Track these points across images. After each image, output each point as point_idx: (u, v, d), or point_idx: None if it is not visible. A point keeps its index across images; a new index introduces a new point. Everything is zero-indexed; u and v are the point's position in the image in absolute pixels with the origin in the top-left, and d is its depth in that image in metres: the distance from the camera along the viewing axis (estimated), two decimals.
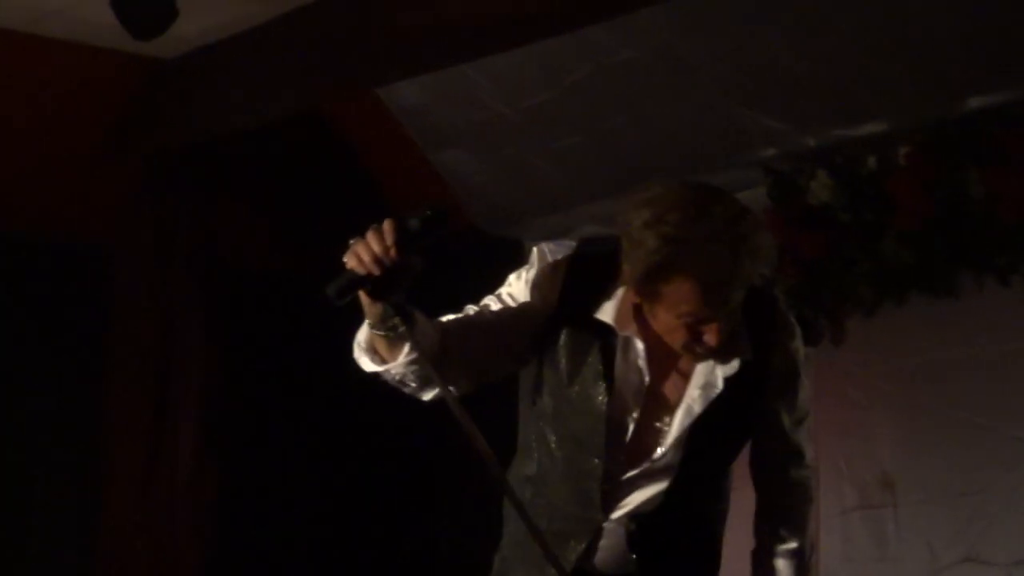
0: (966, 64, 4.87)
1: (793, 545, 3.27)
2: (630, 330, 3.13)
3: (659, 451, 3.15)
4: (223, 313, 6.59)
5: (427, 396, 3.13)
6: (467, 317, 3.17)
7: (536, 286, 3.20)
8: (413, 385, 3.09)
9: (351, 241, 2.91)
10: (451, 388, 3.02)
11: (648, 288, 2.99)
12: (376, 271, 2.87)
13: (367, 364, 3.11)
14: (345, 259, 2.91)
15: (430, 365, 2.96)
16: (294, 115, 6.38)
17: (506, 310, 3.19)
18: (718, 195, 3.05)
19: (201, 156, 6.49)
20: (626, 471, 3.18)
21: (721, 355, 3.10)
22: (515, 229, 6.20)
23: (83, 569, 6.66)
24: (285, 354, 7.59)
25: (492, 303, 3.21)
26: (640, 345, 3.14)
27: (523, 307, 3.19)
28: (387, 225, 2.90)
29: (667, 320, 3.03)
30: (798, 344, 3.21)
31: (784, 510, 3.30)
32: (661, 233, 2.92)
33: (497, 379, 3.23)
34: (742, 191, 5.59)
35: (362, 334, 3.10)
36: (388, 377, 3.10)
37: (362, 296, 2.93)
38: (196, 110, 6.31)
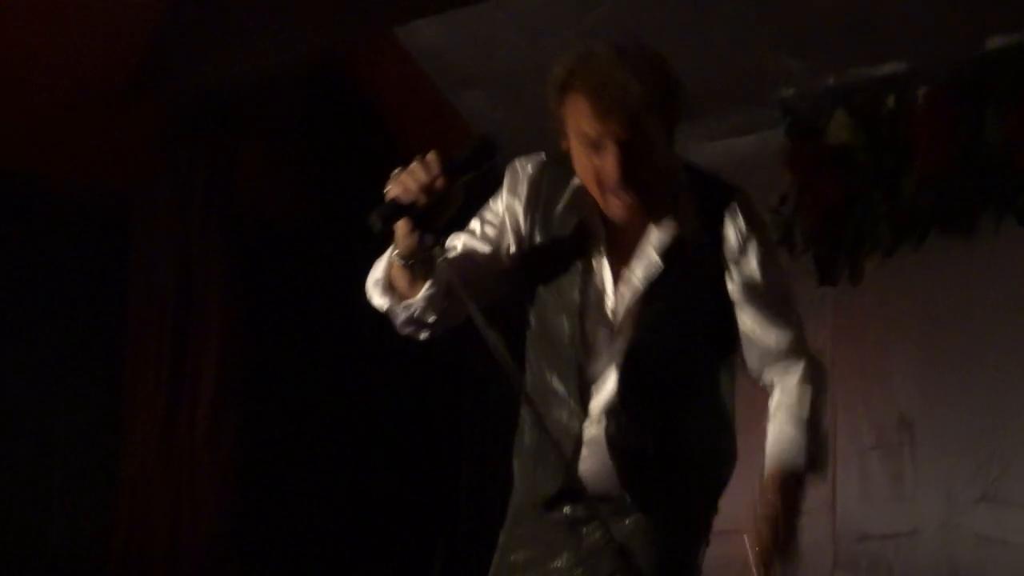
0: (987, 3, 4.85)
1: (789, 416, 3.16)
2: (588, 213, 3.15)
3: (611, 331, 3.15)
4: (242, 260, 6.59)
5: (432, 332, 3.21)
6: (459, 249, 3.21)
7: (509, 196, 3.23)
8: (431, 319, 3.14)
9: (395, 171, 2.96)
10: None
11: (559, 119, 3.06)
12: (422, 199, 2.92)
13: (382, 300, 3.18)
14: (388, 188, 2.96)
15: (460, 291, 3.01)
16: (315, 58, 6.37)
17: (489, 232, 3.23)
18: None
19: (221, 103, 6.49)
20: (593, 361, 3.17)
21: (657, 224, 3.10)
22: None
23: (103, 520, 6.70)
24: (304, 302, 7.62)
25: (476, 227, 3.25)
26: (600, 229, 3.16)
27: (502, 225, 3.23)
28: (433, 155, 2.95)
29: (578, 155, 3.05)
30: (754, 221, 3.12)
31: (780, 400, 3.19)
32: (563, 63, 3.05)
33: (494, 300, 3.23)
34: (761, 131, 5.63)
35: (380, 271, 3.16)
36: (404, 315, 3.16)
37: (399, 227, 2.98)
38: (216, 55, 6.29)
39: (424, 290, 3.09)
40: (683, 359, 3.15)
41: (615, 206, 3.06)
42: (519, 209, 3.22)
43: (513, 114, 6.11)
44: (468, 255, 3.21)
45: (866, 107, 5.29)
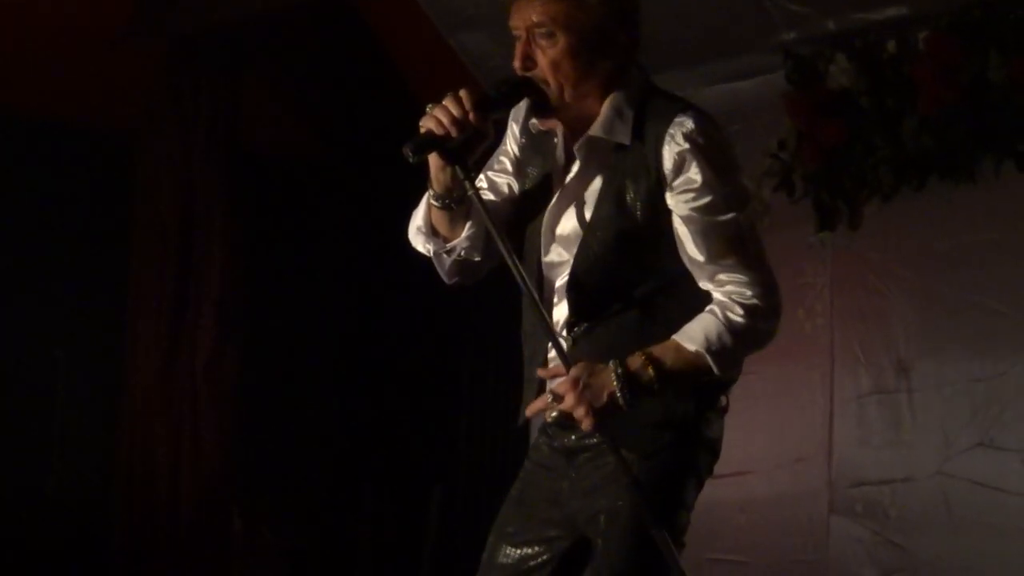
0: None
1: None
2: (551, 125, 3.15)
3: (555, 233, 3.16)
4: (244, 194, 6.60)
5: (478, 273, 3.23)
6: (486, 189, 3.24)
7: (512, 126, 3.27)
8: (476, 258, 3.18)
9: (428, 106, 3.00)
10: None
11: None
12: (454, 132, 2.96)
13: (426, 246, 3.21)
14: (422, 123, 2.99)
15: (505, 239, 3.00)
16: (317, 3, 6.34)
17: (504, 165, 3.28)
18: None
19: (224, 41, 6.47)
20: (554, 276, 3.18)
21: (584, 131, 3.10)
22: None
23: (105, 451, 6.73)
24: (305, 236, 7.63)
25: (494, 164, 3.29)
26: (559, 137, 3.17)
27: (510, 159, 3.28)
28: (465, 91, 3.00)
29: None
30: (696, 141, 3.01)
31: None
32: None
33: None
34: (761, 75, 5.60)
35: (419, 217, 3.21)
36: (450, 259, 3.19)
37: (432, 164, 3.04)
38: None
39: (466, 229, 3.15)
40: (623, 268, 3.09)
41: (530, 104, 3.10)
42: (515, 136, 3.27)
43: (510, 55, 6.06)
44: (491, 187, 3.26)
45: (867, 51, 5.26)
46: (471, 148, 3.02)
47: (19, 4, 6.18)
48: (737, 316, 2.99)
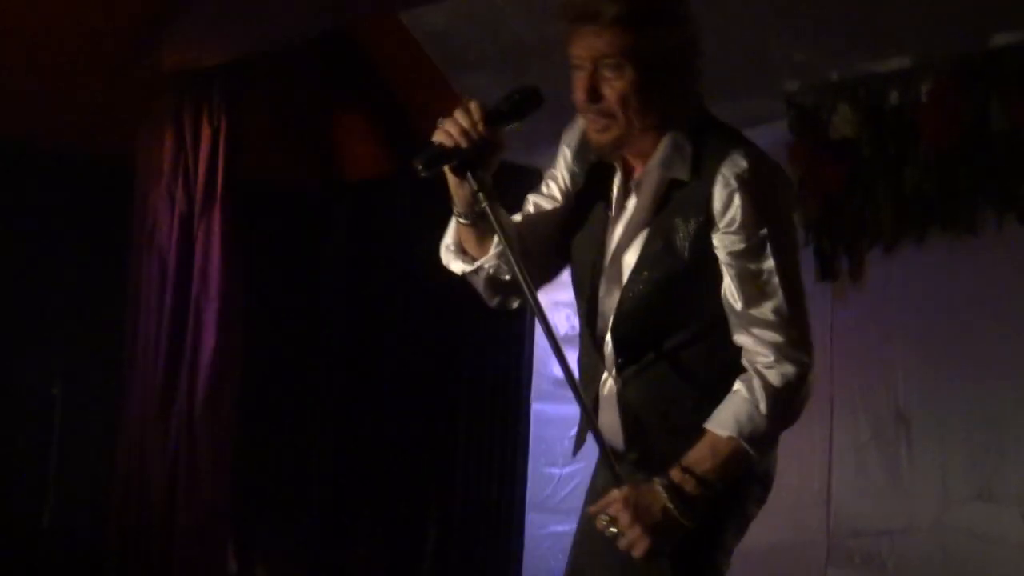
0: (991, 1, 4.83)
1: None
2: (614, 159, 3.13)
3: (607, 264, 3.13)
4: (243, 228, 6.60)
5: (510, 293, 3.21)
6: (531, 214, 3.25)
7: (563, 148, 3.26)
8: (507, 277, 3.15)
9: (439, 120, 2.99)
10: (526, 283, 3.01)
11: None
12: (463, 143, 2.96)
13: (458, 265, 3.20)
14: (433, 137, 2.99)
15: (516, 254, 2.98)
16: (318, 36, 6.36)
17: (551, 188, 3.27)
18: None
19: (225, 70, 6.48)
20: (604, 309, 3.14)
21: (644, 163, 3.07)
22: (535, 157, 6.18)
23: (102, 484, 6.71)
24: (303, 271, 7.63)
25: (543, 185, 3.28)
26: (618, 173, 3.14)
27: (559, 179, 3.27)
28: (474, 103, 3.00)
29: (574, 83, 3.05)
30: (745, 179, 2.96)
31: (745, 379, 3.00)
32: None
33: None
34: (765, 123, 5.61)
35: (450, 235, 3.21)
36: (482, 277, 3.17)
37: (449, 179, 3.03)
38: (221, 27, 6.28)
39: (493, 247, 3.13)
40: (670, 309, 3.06)
41: (590, 133, 3.07)
42: (568, 159, 3.25)
43: None
44: (536, 212, 3.25)
45: (870, 101, 5.28)
46: (483, 159, 2.99)
47: (19, 34, 6.20)
48: (767, 395, 2.93)
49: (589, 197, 3.20)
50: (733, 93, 5.60)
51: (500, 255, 3.11)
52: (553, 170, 3.28)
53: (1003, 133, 4.94)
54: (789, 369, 2.95)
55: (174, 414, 6.40)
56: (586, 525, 3.19)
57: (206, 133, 6.50)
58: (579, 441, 3.26)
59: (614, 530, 2.93)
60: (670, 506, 2.91)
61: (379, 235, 7.65)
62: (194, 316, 6.44)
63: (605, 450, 3.00)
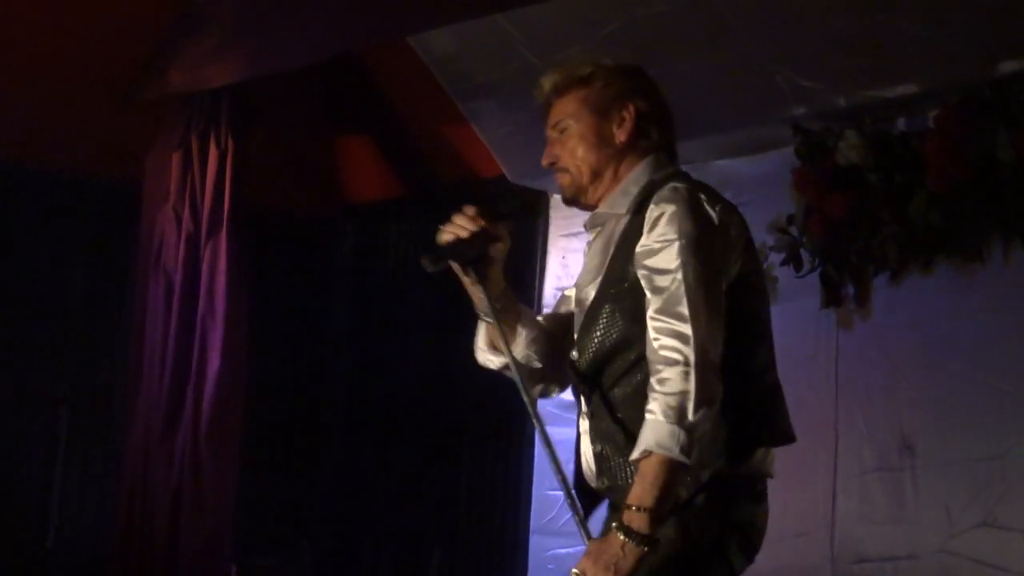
0: (999, 28, 4.83)
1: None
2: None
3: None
4: (249, 253, 6.60)
5: (554, 382, 3.48)
6: (559, 306, 3.53)
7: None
8: (537, 364, 3.39)
9: (440, 226, 3.24)
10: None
11: None
12: (463, 235, 3.21)
13: (489, 360, 3.45)
14: (437, 238, 3.24)
15: (511, 352, 3.27)
16: (327, 61, 6.38)
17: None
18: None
19: (232, 92, 6.50)
20: (579, 343, 3.33)
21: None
22: (543, 181, 6.20)
23: (106, 505, 6.71)
24: (310, 294, 7.63)
25: (568, 291, 3.53)
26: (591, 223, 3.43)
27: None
28: (469, 206, 3.27)
29: None
30: (666, 207, 3.15)
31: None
32: None
33: None
34: (771, 149, 5.62)
35: (480, 337, 3.45)
36: (516, 369, 3.29)
37: (463, 281, 3.29)
38: (229, 49, 6.30)
39: (522, 338, 3.39)
40: (624, 336, 3.20)
41: (561, 192, 3.42)
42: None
43: (521, 125, 6.10)
44: (564, 302, 3.51)
45: (877, 128, 5.28)
46: (484, 252, 3.25)
47: (30, 59, 6.22)
48: (657, 399, 2.99)
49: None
50: (740, 119, 5.62)
51: (528, 344, 3.38)
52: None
53: (1010, 161, 4.94)
54: (667, 371, 3.01)
55: (179, 436, 6.40)
56: None
57: (213, 154, 6.51)
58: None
59: None
60: (628, 542, 2.97)
61: (385, 258, 7.66)
62: (200, 338, 6.44)
63: (576, 511, 3.16)
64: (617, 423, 3.19)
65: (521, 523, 6.65)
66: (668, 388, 2.99)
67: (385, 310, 7.59)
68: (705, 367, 3.00)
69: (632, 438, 3.05)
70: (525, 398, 3.17)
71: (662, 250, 3.10)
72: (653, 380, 3.02)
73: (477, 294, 3.28)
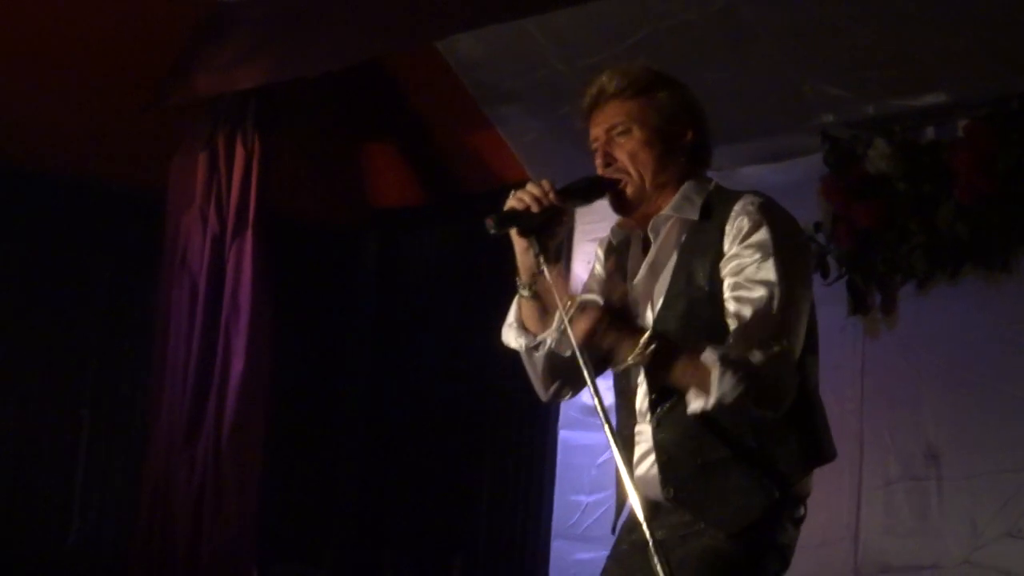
0: None
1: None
2: (630, 225, 3.40)
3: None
4: (274, 261, 6.61)
5: (571, 381, 3.40)
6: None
7: (594, 263, 3.53)
8: (567, 353, 3.29)
9: (512, 191, 3.21)
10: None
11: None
12: (534, 208, 3.16)
13: (518, 341, 3.38)
14: (507, 203, 3.22)
15: (560, 302, 3.12)
16: (352, 66, 6.38)
17: (592, 285, 3.50)
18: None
19: (259, 94, 6.51)
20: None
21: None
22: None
23: (127, 509, 6.72)
24: (333, 304, 7.64)
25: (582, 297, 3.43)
26: (640, 235, 3.37)
27: (593, 285, 3.51)
28: (546, 180, 3.23)
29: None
30: (751, 210, 3.19)
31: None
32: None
33: None
34: (799, 156, 5.61)
35: (512, 313, 3.39)
36: (541, 353, 3.33)
37: (516, 247, 3.24)
38: (256, 51, 6.30)
39: (556, 322, 3.29)
40: (697, 342, 3.11)
41: (612, 200, 3.33)
42: (601, 259, 3.50)
43: (549, 132, 6.10)
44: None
45: (905, 137, 5.27)
46: (550, 228, 3.19)
47: (54, 64, 6.24)
48: (745, 368, 3.00)
49: (618, 270, 3.42)
50: (768, 127, 5.61)
51: (561, 330, 3.28)
52: (591, 270, 3.52)
53: None
54: (758, 355, 3.03)
55: (201, 439, 6.40)
56: (619, 559, 3.33)
57: (240, 154, 6.52)
58: (618, 510, 3.39)
59: None
60: (642, 340, 3.02)
61: (409, 265, 7.66)
62: (223, 340, 6.45)
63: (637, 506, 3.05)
64: (696, 432, 3.16)
65: (543, 528, 6.64)
66: (756, 367, 3.02)
67: (409, 318, 7.60)
68: (792, 375, 3.09)
69: (710, 448, 3.15)
70: (584, 367, 3.02)
71: (759, 262, 3.11)
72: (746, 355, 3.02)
73: (526, 263, 3.25)
